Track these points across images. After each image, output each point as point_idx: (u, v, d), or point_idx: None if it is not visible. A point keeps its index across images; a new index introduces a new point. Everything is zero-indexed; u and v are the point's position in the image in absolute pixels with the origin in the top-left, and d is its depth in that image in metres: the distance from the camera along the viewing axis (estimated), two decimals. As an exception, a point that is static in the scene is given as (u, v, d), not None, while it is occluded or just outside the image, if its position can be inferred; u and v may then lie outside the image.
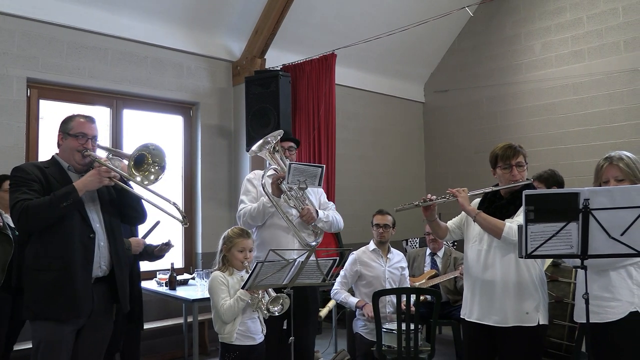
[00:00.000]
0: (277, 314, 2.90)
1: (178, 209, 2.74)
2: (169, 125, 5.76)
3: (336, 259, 2.82)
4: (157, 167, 2.77)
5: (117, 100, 5.26)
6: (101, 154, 2.87)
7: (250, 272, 2.63)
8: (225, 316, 2.89)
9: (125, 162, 2.86)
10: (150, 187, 2.73)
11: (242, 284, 2.85)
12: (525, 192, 2.36)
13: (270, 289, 2.91)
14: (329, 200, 3.78)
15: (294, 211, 3.48)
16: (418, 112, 8.06)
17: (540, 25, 6.79)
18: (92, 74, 4.97)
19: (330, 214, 3.66)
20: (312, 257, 2.71)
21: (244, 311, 2.92)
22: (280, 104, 5.21)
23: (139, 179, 2.71)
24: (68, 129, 2.73)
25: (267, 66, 5.80)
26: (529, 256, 2.40)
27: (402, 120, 7.75)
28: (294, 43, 6.05)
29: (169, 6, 5.29)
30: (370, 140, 7.29)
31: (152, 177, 2.75)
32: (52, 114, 4.85)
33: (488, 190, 2.97)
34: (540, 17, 6.80)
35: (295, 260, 2.63)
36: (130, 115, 5.39)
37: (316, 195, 3.65)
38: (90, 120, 2.79)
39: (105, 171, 2.62)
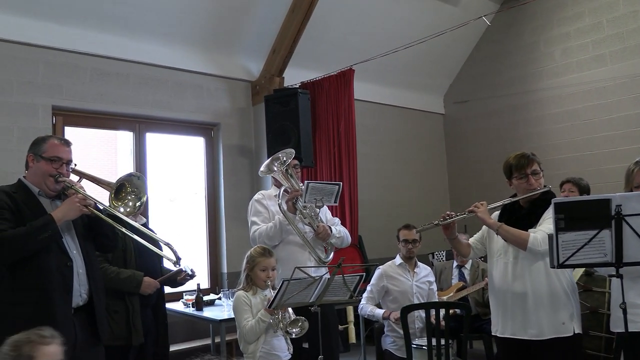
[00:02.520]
0: (294, 335, 2.87)
1: (172, 249, 2.60)
2: (191, 146, 5.82)
3: (363, 275, 2.79)
4: (133, 197, 2.62)
5: (139, 124, 5.33)
6: (73, 179, 2.68)
7: (276, 290, 2.61)
8: (247, 336, 2.89)
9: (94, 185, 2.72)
10: (135, 222, 2.59)
11: (266, 303, 2.84)
12: (555, 200, 2.32)
13: (290, 311, 2.89)
14: (346, 216, 3.80)
15: (307, 228, 3.49)
16: (438, 123, 8.00)
17: (560, 32, 6.72)
18: (114, 99, 5.05)
19: (341, 230, 3.69)
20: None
21: (267, 330, 2.90)
22: (300, 121, 5.23)
23: (121, 209, 2.58)
24: (41, 151, 2.55)
25: (285, 84, 5.83)
26: (561, 266, 2.34)
27: (423, 133, 7.70)
28: (312, 60, 6.08)
29: (187, 30, 5.37)
30: (391, 154, 7.25)
31: (127, 208, 2.60)
32: (76, 140, 4.93)
33: (507, 201, 2.92)
34: (558, 23, 6.72)
35: (321, 277, 2.61)
36: (152, 139, 5.46)
37: (323, 212, 3.65)
38: (65, 143, 2.64)
39: (82, 199, 2.47)
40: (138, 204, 2.62)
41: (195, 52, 5.57)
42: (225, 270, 5.65)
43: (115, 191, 2.58)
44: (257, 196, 3.73)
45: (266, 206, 3.60)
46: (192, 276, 3.70)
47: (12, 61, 4.49)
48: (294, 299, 2.61)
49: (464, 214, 2.90)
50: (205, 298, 4.71)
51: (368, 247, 6.16)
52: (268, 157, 5.40)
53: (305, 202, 3.38)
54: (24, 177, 2.62)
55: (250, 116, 5.97)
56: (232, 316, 3.65)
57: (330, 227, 3.57)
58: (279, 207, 3.42)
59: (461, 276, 4.86)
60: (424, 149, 7.69)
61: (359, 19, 6.26)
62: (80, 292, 2.54)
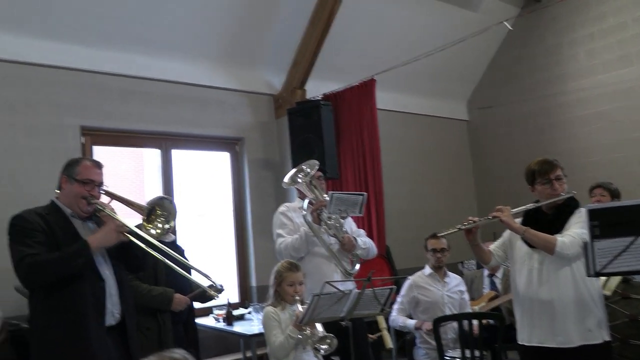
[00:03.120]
0: (323, 352, 2.85)
1: (211, 280, 2.64)
2: (217, 161, 5.87)
3: (393, 288, 2.77)
4: (162, 219, 2.62)
5: (165, 141, 5.40)
6: (104, 200, 2.70)
7: (308, 305, 2.60)
8: (277, 353, 2.89)
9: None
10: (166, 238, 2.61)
11: (294, 318, 2.84)
12: (589, 207, 2.27)
13: (319, 327, 2.87)
14: (373, 226, 3.78)
15: (333, 240, 3.48)
16: (462, 130, 7.93)
17: (583, 33, 6.61)
18: (140, 118, 5.13)
19: (366, 241, 3.67)
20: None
21: (296, 346, 2.89)
22: (323, 133, 5.23)
23: (153, 232, 2.58)
24: (74, 174, 2.58)
25: (307, 97, 5.85)
26: (599, 274, 2.29)
27: (447, 140, 7.63)
28: (333, 72, 6.09)
29: (208, 46, 5.44)
30: (416, 162, 7.19)
31: (157, 230, 2.60)
32: (104, 158, 5.03)
33: (530, 207, 2.88)
34: (582, 24, 6.62)
35: (351, 291, 2.59)
36: (179, 155, 5.52)
37: (347, 224, 3.64)
38: (97, 165, 2.67)
39: (119, 226, 2.49)
40: (167, 226, 2.63)
41: (217, 68, 5.63)
42: (254, 283, 5.66)
43: (146, 214, 2.60)
44: (281, 208, 3.73)
45: (291, 218, 3.60)
46: (221, 291, 3.72)
47: (43, 84, 4.60)
48: (325, 314, 2.59)
49: (488, 218, 2.87)
50: (235, 312, 4.72)
51: (396, 258, 6.11)
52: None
53: (330, 213, 3.37)
54: (56, 198, 2.65)
55: (273, 129, 6.00)
56: (262, 331, 3.65)
57: (355, 239, 3.55)
58: (304, 218, 3.42)
59: (492, 285, 4.78)
60: (449, 157, 7.62)
61: (378, 28, 6.26)
62: (112, 312, 2.57)
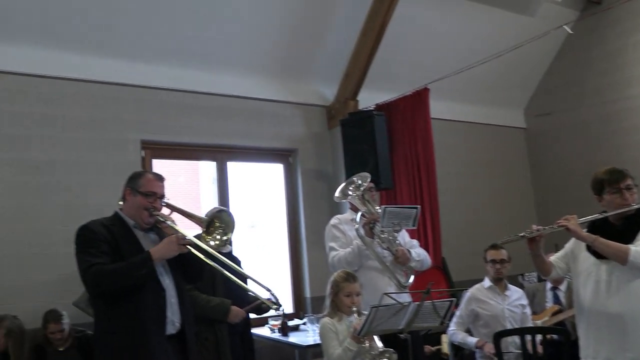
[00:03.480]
0: None
1: (270, 293, 2.71)
2: (270, 173, 5.93)
3: (454, 300, 2.70)
4: (221, 231, 2.67)
5: (221, 154, 5.51)
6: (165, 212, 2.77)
7: (366, 317, 2.57)
8: None
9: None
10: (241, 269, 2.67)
11: (351, 330, 2.80)
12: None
13: (377, 341, 2.82)
14: (428, 237, 3.70)
15: (386, 253, 3.44)
16: (520, 138, 7.69)
17: (649, 34, 6.31)
18: (197, 131, 5.26)
19: (420, 252, 3.60)
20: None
21: (354, 359, 2.84)
22: (377, 143, 5.20)
23: (212, 243, 2.63)
24: (138, 186, 2.67)
25: (360, 107, 5.84)
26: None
27: (504, 149, 7.42)
28: (385, 82, 6.05)
29: (262, 60, 5.53)
30: (471, 173, 7.02)
31: (215, 241, 2.65)
32: (162, 171, 5.18)
33: (598, 217, 2.74)
34: (648, 25, 6.33)
35: (410, 303, 2.54)
36: (234, 167, 5.62)
37: (400, 235, 3.57)
38: (159, 178, 2.75)
39: (181, 238, 2.55)
40: (225, 238, 2.68)
41: (270, 80, 5.71)
42: (308, 294, 5.66)
43: (205, 226, 2.64)
44: (333, 221, 3.71)
45: (343, 231, 3.58)
46: (278, 306, 3.75)
47: (106, 100, 4.80)
48: (383, 326, 2.55)
49: (553, 227, 2.75)
50: (290, 323, 4.73)
51: (452, 269, 5.97)
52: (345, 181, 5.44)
53: (383, 226, 3.34)
54: (120, 209, 2.75)
55: (326, 140, 6.02)
56: (318, 342, 3.63)
57: (409, 251, 3.49)
58: (356, 232, 3.39)
59: (556, 299, 4.57)
60: (506, 166, 7.40)
61: (431, 37, 6.19)
62: (173, 321, 2.62)
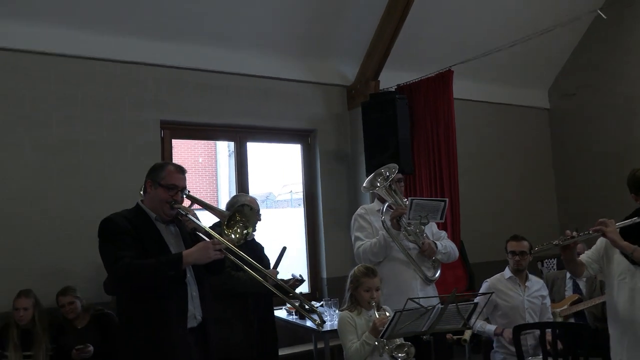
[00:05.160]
0: None
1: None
2: (289, 153, 5.90)
3: (477, 304, 2.68)
4: (241, 225, 2.65)
5: (240, 134, 5.47)
6: (186, 204, 2.74)
7: (389, 321, 2.55)
8: (352, 359, 2.86)
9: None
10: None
11: (370, 324, 2.81)
12: None
13: None
14: (447, 219, 3.66)
15: (412, 245, 3.41)
16: (543, 119, 7.53)
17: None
18: (216, 111, 5.21)
19: (447, 245, 3.57)
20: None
21: (372, 352, 2.85)
22: (398, 127, 5.10)
23: (232, 237, 2.61)
24: (159, 178, 2.63)
25: (381, 87, 5.73)
26: None
27: (526, 130, 7.28)
28: (408, 62, 5.92)
29: (281, 39, 5.43)
30: (491, 153, 6.91)
31: (236, 235, 2.63)
32: (180, 150, 5.18)
33: (637, 220, 2.62)
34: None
35: (434, 307, 2.52)
36: (253, 147, 5.59)
37: (428, 225, 3.53)
38: (180, 170, 2.70)
39: (217, 244, 2.50)
40: (245, 232, 2.66)
41: (290, 60, 5.61)
42: (325, 275, 5.68)
43: (227, 220, 2.63)
44: (359, 211, 3.69)
45: (369, 221, 3.55)
46: (301, 281, 3.89)
47: (124, 80, 4.76)
48: (407, 329, 2.54)
49: (588, 233, 2.67)
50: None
51: (469, 251, 5.93)
52: (366, 164, 5.38)
53: (409, 219, 3.30)
54: (141, 201, 2.73)
55: (346, 121, 5.94)
56: (334, 328, 3.65)
57: (435, 243, 3.47)
58: (382, 223, 3.36)
59: (576, 288, 4.52)
60: (528, 147, 7.27)
61: (456, 16, 6.01)
62: (194, 314, 2.62)
